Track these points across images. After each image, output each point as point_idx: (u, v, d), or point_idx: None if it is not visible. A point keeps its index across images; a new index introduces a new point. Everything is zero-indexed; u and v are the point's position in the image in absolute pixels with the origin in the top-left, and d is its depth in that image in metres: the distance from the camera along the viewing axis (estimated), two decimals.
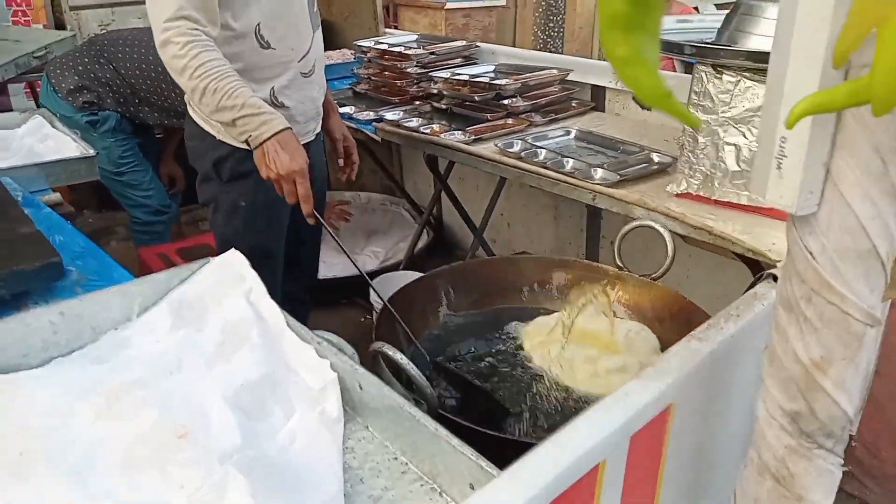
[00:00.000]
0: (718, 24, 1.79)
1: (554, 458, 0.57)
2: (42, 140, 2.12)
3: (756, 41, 1.64)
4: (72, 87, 2.54)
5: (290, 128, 1.54)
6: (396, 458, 0.78)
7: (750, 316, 0.83)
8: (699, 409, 0.78)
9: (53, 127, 2.19)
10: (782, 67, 0.55)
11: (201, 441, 0.75)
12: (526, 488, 0.55)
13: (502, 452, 1.12)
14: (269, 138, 1.50)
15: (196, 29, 1.47)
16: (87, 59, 2.59)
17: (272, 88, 1.69)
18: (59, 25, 3.86)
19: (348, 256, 1.59)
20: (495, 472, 0.64)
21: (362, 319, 3.00)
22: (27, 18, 3.91)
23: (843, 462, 0.68)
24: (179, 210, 3.13)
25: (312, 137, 1.88)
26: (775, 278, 0.92)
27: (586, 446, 0.58)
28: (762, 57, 1.57)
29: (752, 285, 0.93)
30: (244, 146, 1.59)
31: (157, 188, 2.75)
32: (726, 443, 0.88)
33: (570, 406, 1.28)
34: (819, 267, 0.61)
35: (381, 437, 0.81)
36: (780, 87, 0.55)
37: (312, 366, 0.86)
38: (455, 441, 0.68)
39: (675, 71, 3.58)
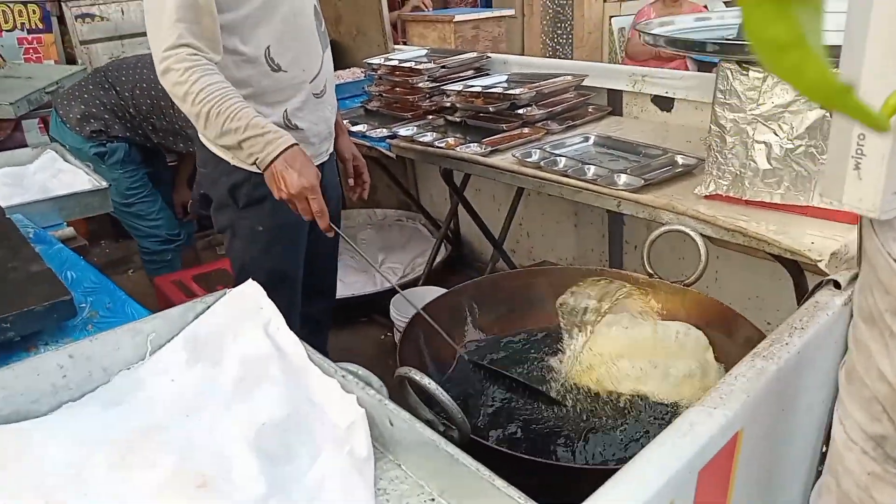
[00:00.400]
0: (739, 21, 1.72)
1: (617, 502, 0.50)
2: (55, 175, 2.10)
3: None
4: (78, 116, 2.53)
5: (296, 144, 1.49)
6: (434, 500, 0.71)
7: (814, 328, 0.76)
8: (766, 433, 0.71)
9: (66, 161, 2.17)
10: (857, 59, 0.48)
11: (223, 490, 0.69)
12: None
13: (547, 479, 1.07)
14: (275, 158, 1.46)
15: (196, 55, 1.44)
16: (91, 87, 2.59)
17: (285, 111, 1.65)
18: (71, 60, 3.89)
19: (375, 269, 1.55)
20: None
21: (382, 337, 2.95)
22: (38, 55, 3.94)
23: None
24: (194, 237, 3.11)
25: (326, 158, 1.84)
26: (837, 284, 0.85)
27: (653, 488, 0.52)
28: None
29: (812, 293, 0.86)
30: (256, 169, 1.54)
31: (165, 217, 2.73)
32: (793, 464, 0.81)
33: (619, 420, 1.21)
34: None
35: (415, 475, 0.74)
36: (855, 80, 0.49)
37: (338, 402, 0.80)
38: (499, 482, 0.61)
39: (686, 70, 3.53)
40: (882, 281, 0.56)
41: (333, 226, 1.55)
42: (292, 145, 1.48)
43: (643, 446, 1.10)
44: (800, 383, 0.75)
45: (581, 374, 1.35)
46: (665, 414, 1.22)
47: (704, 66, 3.79)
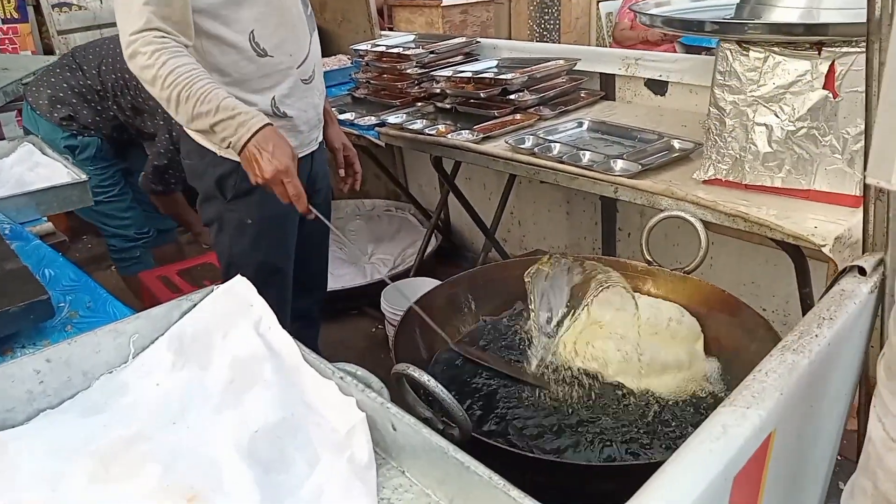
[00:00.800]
0: (735, 1, 1.68)
1: None
2: (32, 168, 2.02)
3: (781, 13, 1.53)
4: (47, 101, 2.45)
5: (268, 124, 1.43)
6: None
7: (843, 318, 0.71)
8: (796, 431, 0.67)
9: (44, 154, 2.09)
10: None
11: (214, 502, 0.64)
12: None
13: (552, 477, 1.03)
14: (248, 141, 1.40)
15: (164, 37, 1.37)
16: (58, 70, 2.51)
17: (273, 98, 1.59)
18: (48, 51, 3.80)
19: (365, 260, 1.50)
20: None
21: (373, 330, 2.91)
22: (14, 46, 3.85)
23: None
24: (175, 232, 3.02)
25: (316, 146, 1.78)
26: (861, 271, 0.81)
27: (690, 497, 0.47)
28: (791, 29, 1.47)
29: (836, 280, 0.83)
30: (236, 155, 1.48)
31: (133, 216, 2.62)
32: (817, 462, 0.78)
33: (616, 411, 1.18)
34: None
35: (421, 483, 0.70)
36: None
37: (336, 405, 0.75)
38: (515, 492, 0.57)
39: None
40: None
41: (313, 209, 1.48)
42: (264, 126, 1.41)
43: (636, 443, 1.08)
44: (829, 376, 0.71)
45: (568, 356, 1.31)
46: (649, 406, 1.19)
47: (693, 51, 3.75)
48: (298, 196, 1.44)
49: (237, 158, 1.58)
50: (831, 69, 1.43)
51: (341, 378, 0.77)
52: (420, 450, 0.68)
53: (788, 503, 0.73)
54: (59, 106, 2.46)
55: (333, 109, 2.49)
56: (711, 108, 1.61)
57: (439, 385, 0.93)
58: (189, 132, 1.65)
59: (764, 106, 1.52)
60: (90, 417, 0.79)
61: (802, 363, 0.64)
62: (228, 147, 1.43)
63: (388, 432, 0.72)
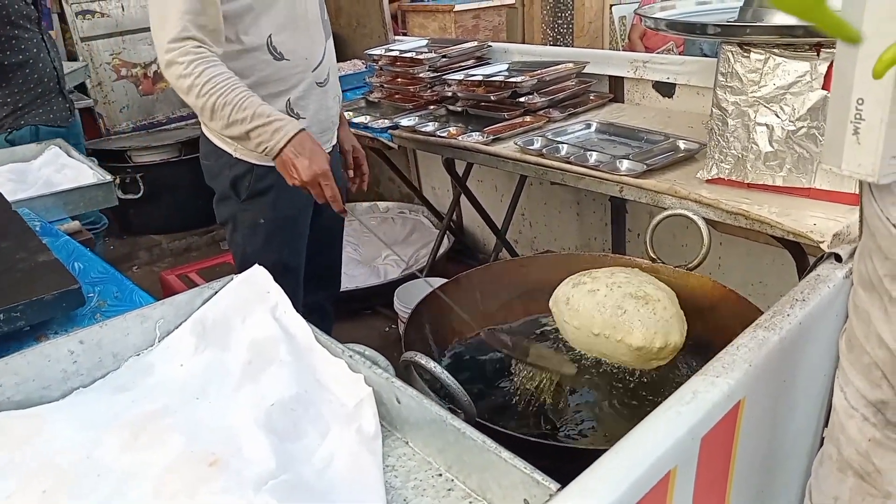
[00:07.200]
0: (739, 4, 1.72)
1: (621, 468, 0.51)
2: (59, 170, 2.11)
3: (782, 16, 1.57)
4: None
5: (304, 129, 1.51)
6: (441, 475, 0.72)
7: (816, 300, 0.76)
8: (768, 403, 0.72)
9: (70, 156, 2.18)
10: (857, 17, 0.48)
11: (233, 468, 0.70)
12: None
13: (555, 460, 1.08)
14: (285, 145, 1.47)
15: (200, 47, 1.45)
16: None
17: (288, 100, 1.66)
18: (71, 57, 3.89)
19: (391, 249, 1.58)
20: (552, 485, 0.58)
21: (387, 329, 2.96)
22: None
23: None
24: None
25: (329, 148, 1.84)
26: (838, 258, 0.86)
27: (656, 454, 0.53)
28: (791, 31, 1.50)
29: (813, 266, 0.87)
30: (264, 159, 1.55)
31: None
32: (796, 437, 0.82)
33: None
34: None
35: (423, 452, 0.75)
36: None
37: (345, 381, 0.81)
38: (505, 453, 0.62)
39: None
40: (881, 246, 0.56)
41: (347, 208, 1.56)
42: (300, 131, 1.49)
43: None
44: (801, 355, 0.76)
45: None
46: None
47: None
48: (335, 198, 1.52)
49: (252, 160, 1.65)
50: (830, 70, 1.46)
51: (350, 357, 0.83)
52: (422, 421, 0.73)
53: (768, 470, 0.78)
54: None
55: (348, 112, 2.56)
56: (714, 109, 1.65)
57: (444, 371, 0.97)
58: (207, 134, 1.72)
59: (765, 106, 1.56)
60: (120, 395, 0.85)
61: (773, 339, 0.69)
62: (264, 152, 1.50)
63: (392, 405, 0.77)
